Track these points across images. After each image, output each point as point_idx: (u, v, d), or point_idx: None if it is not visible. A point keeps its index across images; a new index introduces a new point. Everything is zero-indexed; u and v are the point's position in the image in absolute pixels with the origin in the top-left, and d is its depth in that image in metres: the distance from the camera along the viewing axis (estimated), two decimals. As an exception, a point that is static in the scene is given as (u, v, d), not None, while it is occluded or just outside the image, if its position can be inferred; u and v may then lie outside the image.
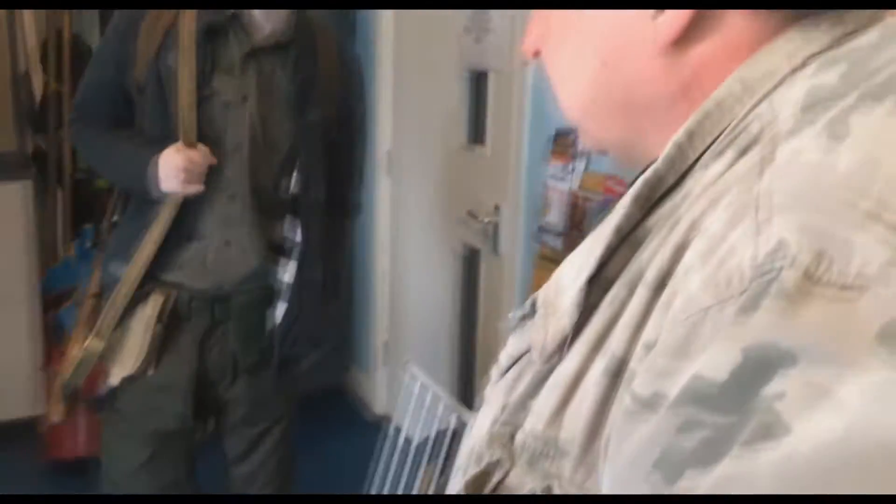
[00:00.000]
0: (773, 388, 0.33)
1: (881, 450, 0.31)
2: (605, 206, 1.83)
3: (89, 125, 1.72)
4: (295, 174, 1.71)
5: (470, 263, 2.63)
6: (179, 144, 1.59)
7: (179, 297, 1.70)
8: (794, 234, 0.35)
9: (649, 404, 0.38)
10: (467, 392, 2.71)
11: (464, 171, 2.55)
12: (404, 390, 1.87)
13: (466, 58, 2.44)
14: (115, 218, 1.79)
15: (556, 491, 0.46)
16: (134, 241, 1.66)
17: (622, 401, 0.41)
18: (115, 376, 1.69)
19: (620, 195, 1.68)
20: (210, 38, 1.61)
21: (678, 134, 0.46)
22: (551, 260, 2.07)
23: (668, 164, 0.46)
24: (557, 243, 2.00)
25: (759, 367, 0.34)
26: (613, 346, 0.43)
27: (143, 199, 1.67)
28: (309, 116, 1.69)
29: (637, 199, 0.46)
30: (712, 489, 0.34)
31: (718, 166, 0.44)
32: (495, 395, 0.53)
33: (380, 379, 3.25)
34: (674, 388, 0.36)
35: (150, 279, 1.67)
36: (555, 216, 2.01)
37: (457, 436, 1.97)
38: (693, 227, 0.41)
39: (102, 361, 1.69)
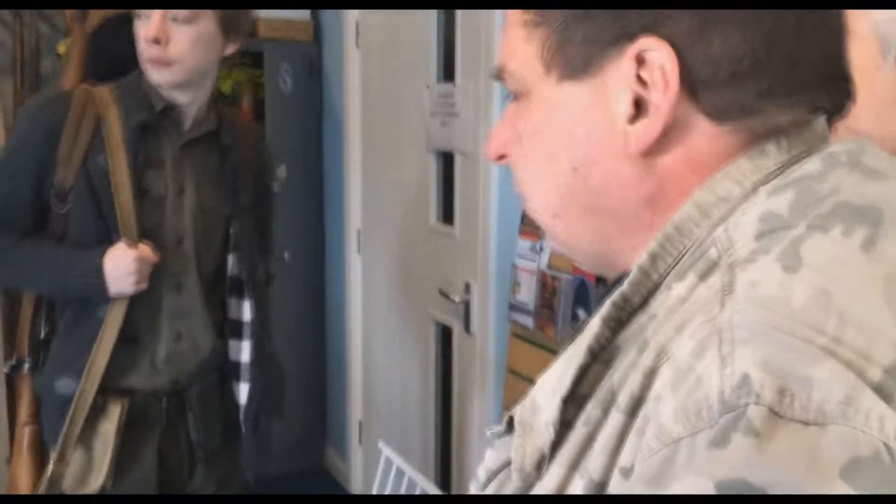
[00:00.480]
0: None
1: None
2: (575, 285, 1.86)
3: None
4: (231, 256, 1.72)
5: (443, 342, 2.64)
6: (122, 244, 1.56)
7: (133, 403, 1.64)
8: (756, 369, 0.38)
9: None
10: (444, 470, 2.69)
11: (434, 251, 2.58)
12: (380, 473, 1.85)
13: (433, 140, 2.50)
14: (45, 333, 1.68)
15: None
16: (82, 353, 1.59)
17: None
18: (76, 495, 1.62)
19: (587, 274, 1.71)
20: (140, 135, 1.60)
21: (642, 257, 0.49)
22: (523, 338, 2.09)
23: (634, 288, 0.49)
24: (528, 321, 2.02)
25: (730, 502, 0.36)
26: (591, 469, 0.45)
27: (82, 307, 1.61)
28: (241, 200, 1.72)
29: (606, 321, 0.49)
30: None
31: (681, 289, 0.46)
32: None
33: (356, 459, 3.22)
34: None
35: (102, 390, 1.60)
36: (525, 294, 2.04)
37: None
38: (661, 353, 0.43)
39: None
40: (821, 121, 0.51)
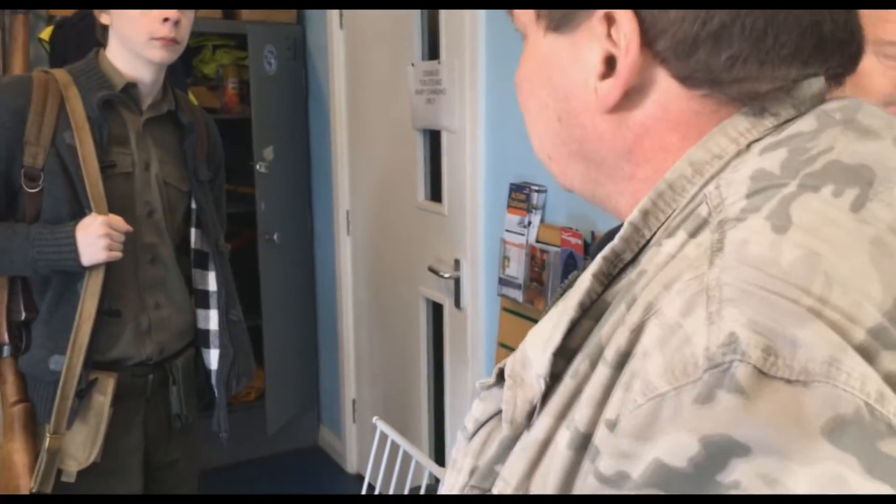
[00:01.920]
0: (728, 476, 0.36)
1: None
2: (563, 258, 1.89)
3: None
4: (193, 230, 1.82)
5: (434, 318, 2.67)
6: (95, 215, 1.61)
7: (122, 376, 1.71)
8: (743, 328, 0.39)
9: (613, 482, 0.41)
10: (438, 446, 2.72)
11: (423, 229, 2.60)
12: (375, 448, 1.88)
13: (419, 118, 2.51)
14: (24, 315, 1.71)
15: None
16: (67, 329, 1.63)
17: (586, 477, 0.44)
18: (71, 471, 1.67)
19: (576, 246, 1.74)
20: (103, 112, 1.66)
21: (633, 214, 0.50)
22: (513, 312, 2.12)
23: (624, 244, 0.50)
24: (518, 295, 2.05)
25: (715, 457, 0.37)
26: (577, 420, 0.46)
27: (62, 287, 1.65)
28: (200, 175, 1.81)
29: (597, 276, 0.50)
30: None
31: (670, 246, 0.47)
32: (462, 458, 0.56)
33: (350, 436, 3.25)
34: (636, 470, 0.40)
35: (94, 365, 1.66)
36: (514, 269, 2.07)
37: (431, 493, 1.98)
38: (648, 309, 0.44)
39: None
40: (816, 81, 0.51)
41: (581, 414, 0.46)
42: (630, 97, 0.51)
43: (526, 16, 0.56)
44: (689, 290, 0.42)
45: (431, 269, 2.47)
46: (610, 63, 0.50)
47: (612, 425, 0.42)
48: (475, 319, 2.34)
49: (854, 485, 0.35)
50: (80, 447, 1.68)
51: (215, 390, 1.86)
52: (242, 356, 1.89)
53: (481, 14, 2.17)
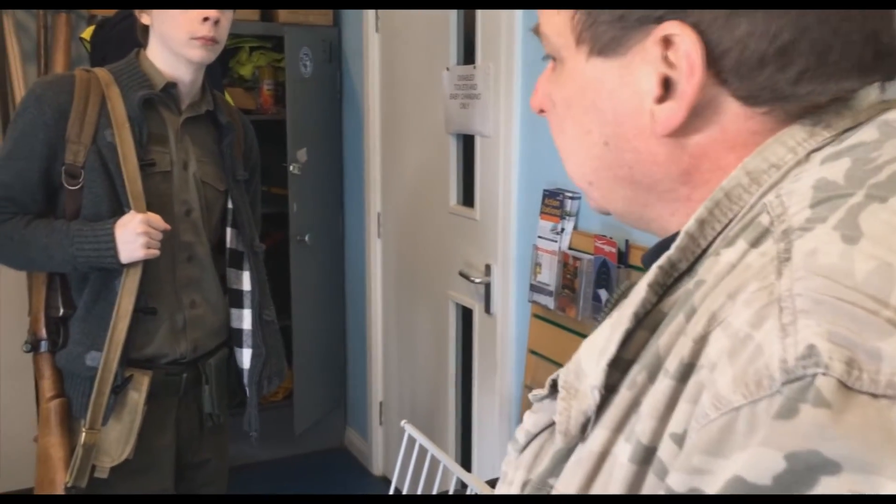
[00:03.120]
0: (815, 489, 0.35)
1: None
2: (596, 266, 1.87)
3: (8, 220, 1.66)
4: (229, 229, 1.83)
5: (463, 323, 2.66)
6: (134, 213, 1.62)
7: (156, 374, 1.72)
8: (822, 340, 0.37)
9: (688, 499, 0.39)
10: (465, 451, 2.72)
11: (454, 233, 2.60)
12: (403, 451, 1.88)
13: (453, 122, 2.51)
14: (62, 312, 1.72)
15: None
16: (105, 326, 1.64)
17: (655, 492, 0.43)
18: (104, 468, 1.68)
19: (609, 254, 1.72)
20: (144, 111, 1.68)
21: (689, 223, 0.49)
22: (544, 319, 2.11)
23: (680, 253, 0.49)
24: (549, 302, 2.04)
25: (802, 474, 0.35)
26: (638, 433, 0.45)
27: (100, 285, 1.66)
28: (237, 175, 1.83)
29: (652, 286, 0.49)
30: None
31: (730, 255, 0.46)
32: (514, 471, 0.55)
33: (377, 439, 3.26)
34: (711, 486, 0.38)
35: (130, 362, 1.68)
36: (546, 275, 2.05)
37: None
38: (713, 319, 0.43)
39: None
40: (872, 90, 0.50)
41: (643, 426, 0.45)
42: (688, 120, 0.50)
43: (562, 39, 0.54)
44: (758, 301, 0.41)
45: (462, 274, 2.47)
46: (666, 86, 0.49)
47: (680, 440, 0.41)
48: (505, 325, 2.33)
49: None
50: (114, 444, 1.69)
51: (247, 390, 1.87)
52: (275, 356, 1.90)
53: (518, 18, 2.17)
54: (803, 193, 0.45)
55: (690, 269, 0.49)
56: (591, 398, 0.49)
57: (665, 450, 0.43)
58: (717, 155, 0.50)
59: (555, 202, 2.03)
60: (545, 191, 2.07)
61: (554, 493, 0.51)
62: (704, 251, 0.49)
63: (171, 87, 1.71)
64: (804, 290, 0.40)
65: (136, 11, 1.71)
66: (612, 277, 1.83)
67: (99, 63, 2.11)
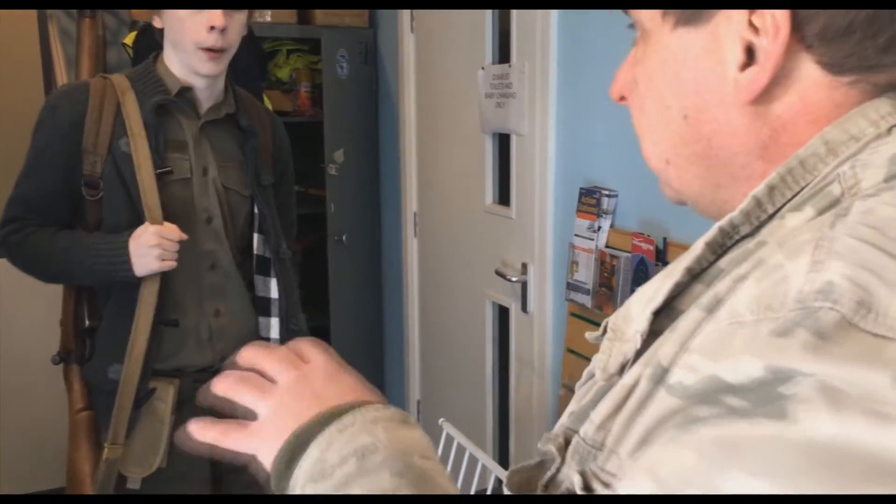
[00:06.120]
0: (789, 388, 0.37)
1: (866, 464, 0.34)
2: (634, 264, 1.86)
3: (34, 233, 1.65)
4: (256, 235, 1.77)
5: (500, 322, 2.67)
6: (148, 224, 1.58)
7: (183, 383, 1.69)
8: (843, 279, 0.39)
9: (672, 389, 0.42)
10: (503, 449, 2.72)
11: (491, 232, 2.60)
12: (441, 450, 1.89)
13: (488, 122, 2.52)
14: (88, 323, 1.72)
15: (592, 483, 0.50)
16: (125, 339, 1.62)
17: (657, 394, 0.45)
18: (136, 479, 1.67)
19: (647, 252, 1.71)
20: (158, 117, 1.63)
21: (759, 187, 0.49)
22: (581, 317, 2.10)
23: (744, 216, 0.50)
24: (587, 300, 2.03)
25: (779, 378, 0.37)
26: (660, 356, 0.47)
27: (122, 295, 1.65)
28: (262, 180, 1.77)
29: (710, 245, 0.50)
30: (711, 442, 0.38)
31: (795, 220, 0.47)
32: (570, 404, 0.58)
33: (414, 438, 3.27)
34: (691, 381, 0.40)
35: (154, 374, 1.66)
36: (583, 274, 2.05)
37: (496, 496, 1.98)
38: (757, 263, 0.45)
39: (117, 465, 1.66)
40: None
41: (666, 350, 0.47)
42: (770, 88, 0.49)
43: (646, 14, 0.54)
44: (802, 241, 0.42)
45: (498, 273, 2.47)
46: (749, 53, 0.49)
47: (689, 349, 0.44)
48: (542, 324, 2.33)
49: None
50: (144, 454, 1.67)
51: None
52: None
53: (553, 17, 2.17)
54: (879, 166, 0.45)
55: (755, 233, 0.50)
56: (632, 342, 0.51)
57: (679, 362, 0.44)
58: (798, 128, 0.50)
59: (591, 200, 2.02)
60: (581, 189, 2.07)
61: (587, 421, 0.53)
62: (771, 216, 0.49)
63: (185, 91, 1.66)
64: (845, 234, 0.41)
65: (150, 14, 1.66)
66: (650, 275, 1.82)
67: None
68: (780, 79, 0.49)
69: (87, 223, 1.64)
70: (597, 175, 2.05)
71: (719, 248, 0.50)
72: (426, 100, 2.98)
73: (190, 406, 1.71)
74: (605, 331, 0.55)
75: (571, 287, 2.10)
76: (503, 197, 2.58)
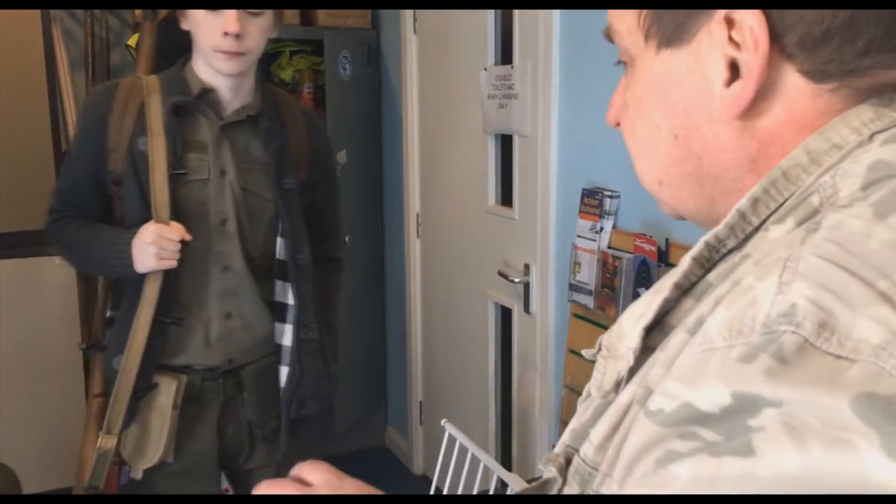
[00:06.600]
0: (757, 421, 0.37)
1: (836, 494, 0.34)
2: (636, 265, 1.87)
3: (67, 224, 1.70)
4: (279, 240, 1.75)
5: (503, 322, 2.67)
6: (151, 222, 1.60)
7: (191, 380, 1.70)
8: (805, 301, 0.39)
9: (653, 415, 0.42)
10: (505, 450, 2.72)
11: (493, 233, 2.61)
12: (444, 451, 1.89)
13: (491, 123, 2.52)
14: (109, 314, 1.76)
15: None
16: (128, 332, 1.65)
17: (638, 415, 0.46)
18: (138, 469, 1.69)
19: (649, 253, 1.72)
20: (178, 118, 1.64)
21: (742, 200, 0.50)
22: (584, 318, 2.11)
23: (729, 230, 0.50)
24: (589, 301, 2.03)
25: (746, 407, 0.38)
26: (648, 379, 0.48)
27: (133, 289, 1.67)
28: (285, 183, 1.74)
29: (696, 259, 0.51)
30: (689, 482, 0.38)
31: (777, 232, 0.47)
32: (572, 420, 0.59)
33: (417, 438, 3.28)
34: (669, 408, 0.41)
35: (159, 368, 1.67)
36: (585, 274, 2.05)
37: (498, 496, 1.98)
38: (736, 283, 0.45)
39: (120, 456, 1.68)
40: None
41: (654, 373, 0.47)
42: (756, 101, 0.50)
43: (631, 38, 0.55)
44: (772, 260, 0.43)
45: (501, 274, 2.47)
46: (733, 69, 0.49)
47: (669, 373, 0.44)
48: (544, 324, 2.33)
49: (867, 459, 0.34)
50: (146, 447, 1.68)
51: (282, 409, 1.79)
52: (309, 378, 1.80)
53: (555, 18, 2.17)
54: (857, 174, 0.45)
55: (741, 246, 0.50)
56: (626, 359, 0.51)
57: (661, 385, 0.45)
58: (784, 139, 0.50)
59: (593, 201, 2.03)
60: (584, 190, 2.07)
61: (587, 441, 0.54)
62: (757, 228, 0.50)
63: (206, 92, 1.67)
64: (811, 254, 0.41)
65: (178, 16, 1.68)
66: (652, 276, 1.82)
67: (142, 70, 2.13)
68: (765, 91, 0.49)
69: (114, 218, 1.69)
70: (599, 176, 2.06)
71: (707, 263, 0.51)
72: (429, 101, 2.98)
73: (199, 402, 1.72)
74: (599, 348, 0.56)
75: (574, 288, 2.10)
76: (506, 198, 2.59)
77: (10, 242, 2.97)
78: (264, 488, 0.67)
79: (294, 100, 1.89)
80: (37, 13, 2.97)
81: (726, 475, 0.37)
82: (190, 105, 1.66)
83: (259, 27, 1.62)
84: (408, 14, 3.00)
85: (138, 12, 2.96)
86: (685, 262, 0.51)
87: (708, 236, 0.51)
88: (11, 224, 2.99)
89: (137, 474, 1.69)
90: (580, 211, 2.08)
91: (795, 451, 0.35)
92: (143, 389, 1.65)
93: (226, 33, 1.57)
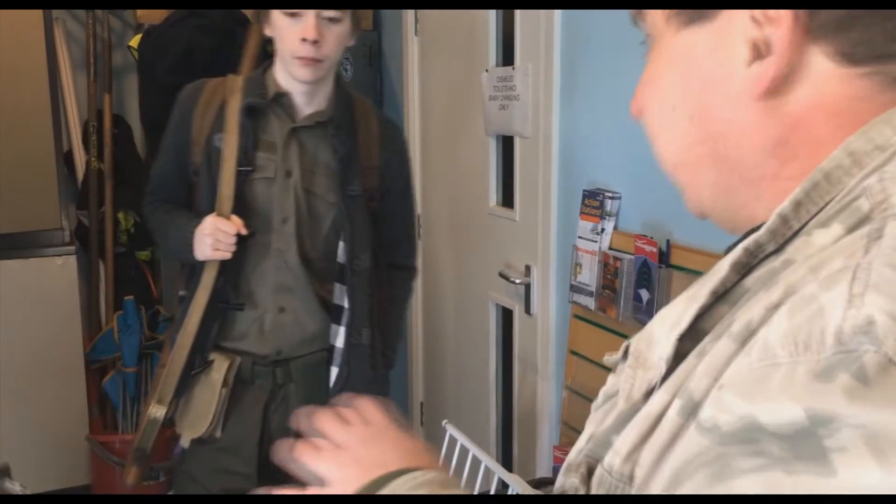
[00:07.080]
0: (832, 438, 0.35)
1: None
2: (637, 266, 1.87)
3: (158, 208, 1.87)
4: (340, 243, 1.81)
5: (504, 324, 2.67)
6: (212, 215, 1.71)
7: (243, 363, 1.81)
8: (884, 315, 0.37)
9: (705, 430, 0.40)
10: (506, 451, 2.72)
11: (494, 235, 2.61)
12: (444, 451, 1.89)
13: (492, 124, 2.52)
14: (181, 293, 1.90)
15: None
16: (188, 311, 1.78)
17: (687, 430, 0.44)
18: (186, 439, 1.80)
19: (650, 254, 1.72)
20: (252, 117, 1.73)
21: (784, 204, 0.48)
22: (585, 319, 2.11)
23: (770, 235, 0.48)
24: (590, 302, 2.03)
25: (822, 426, 0.36)
26: (692, 389, 0.45)
27: (198, 274, 1.78)
28: (350, 189, 1.80)
29: (735, 265, 0.49)
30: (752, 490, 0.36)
31: (823, 237, 0.45)
32: (587, 426, 0.57)
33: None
34: (727, 421, 0.39)
35: (215, 348, 1.79)
36: (586, 276, 2.05)
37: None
38: (789, 290, 0.43)
39: (172, 426, 1.82)
40: None
41: (697, 384, 0.45)
42: (780, 83, 0.48)
43: (655, 17, 0.54)
44: (836, 269, 0.40)
45: (502, 275, 2.47)
46: (756, 50, 0.48)
47: (721, 386, 0.42)
48: (545, 326, 2.33)
49: None
50: (193, 418, 1.79)
51: None
52: (356, 380, 1.85)
53: (556, 19, 2.17)
54: None
55: (780, 250, 0.48)
56: (658, 368, 0.49)
57: (710, 397, 0.43)
58: (812, 123, 0.48)
59: (595, 202, 2.03)
60: (585, 191, 2.07)
61: (611, 450, 0.51)
62: (797, 232, 0.48)
63: (280, 96, 1.75)
64: (882, 265, 0.39)
65: (262, 22, 1.73)
66: (653, 277, 1.82)
67: (145, 70, 2.18)
68: (790, 73, 0.48)
69: (194, 206, 1.81)
70: (600, 177, 2.06)
71: (744, 269, 0.49)
72: (430, 102, 2.98)
73: (249, 385, 1.83)
74: (625, 354, 0.54)
75: (575, 289, 2.10)
76: (507, 199, 2.59)
77: (11, 243, 2.98)
78: (320, 421, 0.72)
79: (373, 108, 1.94)
80: (38, 14, 2.98)
81: (794, 491, 0.35)
82: (264, 106, 1.75)
83: (336, 34, 1.67)
84: (409, 15, 3.00)
85: (142, 13, 2.97)
86: (723, 269, 0.49)
87: (748, 242, 0.49)
88: (12, 224, 2.99)
89: (186, 443, 1.81)
90: (581, 212, 2.08)
91: (878, 467, 0.34)
92: (199, 365, 1.77)
93: (304, 39, 1.62)
